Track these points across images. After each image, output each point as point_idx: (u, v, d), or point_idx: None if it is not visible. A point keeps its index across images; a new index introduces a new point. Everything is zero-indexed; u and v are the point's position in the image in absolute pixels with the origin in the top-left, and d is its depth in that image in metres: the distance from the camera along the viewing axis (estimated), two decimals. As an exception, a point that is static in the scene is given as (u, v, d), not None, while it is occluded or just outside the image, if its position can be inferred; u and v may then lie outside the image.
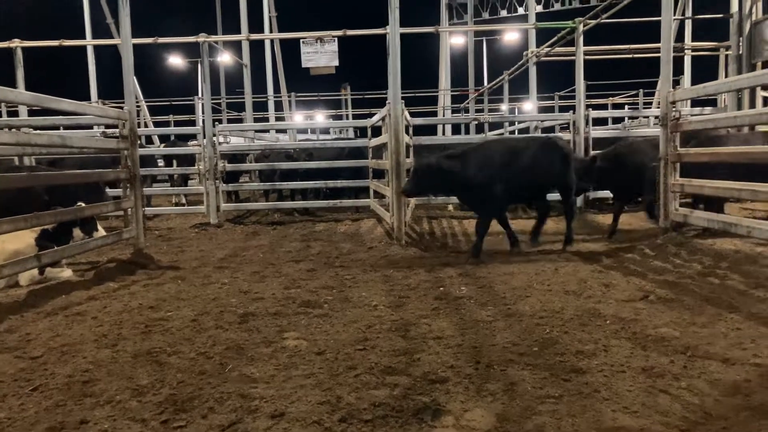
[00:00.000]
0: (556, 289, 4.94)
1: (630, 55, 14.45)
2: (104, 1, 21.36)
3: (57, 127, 10.74)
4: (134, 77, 7.45)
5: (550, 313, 4.20)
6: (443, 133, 21.73)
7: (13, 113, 15.44)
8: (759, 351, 3.31)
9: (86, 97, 19.42)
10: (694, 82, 14.91)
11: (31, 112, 11.37)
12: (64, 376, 3.24)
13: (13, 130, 9.10)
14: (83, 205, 6.39)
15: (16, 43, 11.16)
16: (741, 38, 12.10)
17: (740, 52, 12.11)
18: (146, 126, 19.81)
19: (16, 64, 11.20)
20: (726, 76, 13.43)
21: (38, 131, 8.79)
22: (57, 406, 2.86)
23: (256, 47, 20.53)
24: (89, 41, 18.57)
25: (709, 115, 10.93)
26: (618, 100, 22.63)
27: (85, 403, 2.89)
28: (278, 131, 18.97)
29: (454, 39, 25.37)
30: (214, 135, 10.82)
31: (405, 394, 2.87)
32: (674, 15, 9.85)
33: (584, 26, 10.27)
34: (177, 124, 22.85)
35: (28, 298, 5.06)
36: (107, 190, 9.02)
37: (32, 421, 2.71)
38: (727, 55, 13.63)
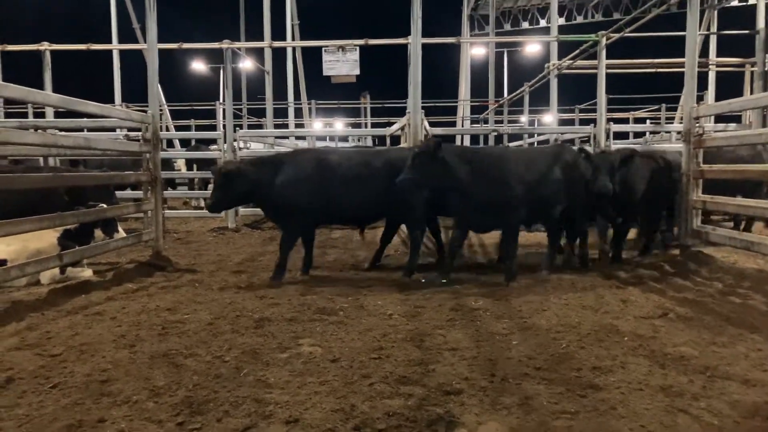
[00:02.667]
0: (573, 303, 4.89)
1: (653, 70, 14.35)
2: (131, 7, 21.74)
3: (81, 129, 10.92)
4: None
5: (567, 328, 4.16)
6: (462, 144, 21.68)
7: (40, 114, 15.75)
8: (781, 373, 3.25)
9: (110, 100, 19.76)
10: (718, 98, 14.77)
11: (57, 114, 11.57)
12: (82, 375, 3.28)
13: (40, 131, 9.26)
14: (104, 206, 6.50)
15: (45, 46, 11.42)
16: (767, 54, 11.95)
17: (766, 68, 11.97)
18: (168, 130, 20.07)
19: (45, 66, 11.45)
20: (751, 93, 13.27)
21: (64, 133, 8.94)
22: (75, 404, 2.90)
23: (278, 54, 20.79)
24: (116, 45, 18.93)
25: (733, 132, 10.79)
26: (640, 114, 22.45)
27: (102, 402, 2.93)
28: (298, 138, 19.09)
29: (475, 50, 25.40)
30: (235, 140, 10.94)
31: (419, 405, 2.86)
32: (699, 30, 9.75)
33: (607, 40, 10.21)
34: (198, 128, 23.12)
35: (49, 297, 5.14)
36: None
37: (50, 418, 2.75)
38: (752, 72, 13.47)
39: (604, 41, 10.17)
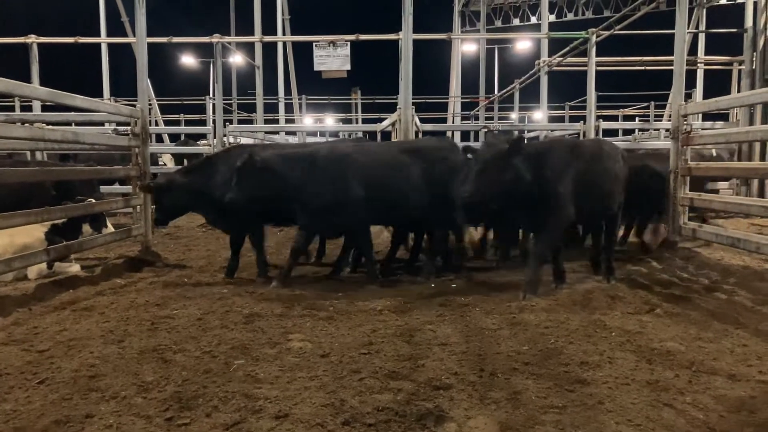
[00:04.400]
0: (562, 299, 4.91)
1: (642, 68, 14.46)
2: (120, 0, 21.51)
3: (69, 123, 10.82)
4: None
5: (556, 323, 4.19)
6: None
7: (27, 108, 15.58)
8: (765, 368, 3.29)
9: (98, 94, 19.57)
10: (706, 95, 14.88)
11: (44, 108, 11.45)
12: (70, 371, 3.26)
13: (27, 124, 9.17)
14: (92, 200, 6.46)
15: (32, 39, 11.28)
16: (755, 53, 12.05)
17: (754, 67, 12.06)
18: (157, 124, 19.92)
19: (32, 59, 11.31)
20: (739, 91, 13.39)
21: (51, 127, 8.86)
22: (63, 399, 2.89)
23: (269, 49, 20.65)
24: (104, 39, 18.71)
25: (720, 129, 10.89)
26: (629, 111, 22.59)
27: (90, 397, 2.91)
28: (288, 133, 19.05)
29: (466, 46, 25.41)
30: (225, 135, 10.89)
31: (408, 400, 2.87)
32: (688, 28, 9.82)
33: (597, 37, 10.26)
34: (188, 123, 22.97)
35: (36, 292, 5.10)
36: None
37: (38, 414, 2.73)
38: (740, 70, 13.59)
39: (594, 38, 10.23)
